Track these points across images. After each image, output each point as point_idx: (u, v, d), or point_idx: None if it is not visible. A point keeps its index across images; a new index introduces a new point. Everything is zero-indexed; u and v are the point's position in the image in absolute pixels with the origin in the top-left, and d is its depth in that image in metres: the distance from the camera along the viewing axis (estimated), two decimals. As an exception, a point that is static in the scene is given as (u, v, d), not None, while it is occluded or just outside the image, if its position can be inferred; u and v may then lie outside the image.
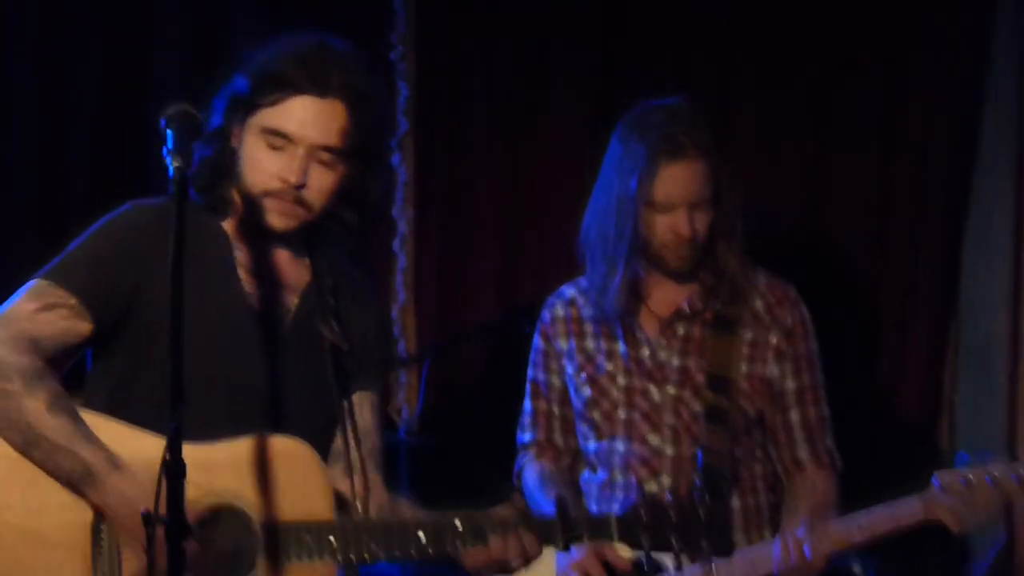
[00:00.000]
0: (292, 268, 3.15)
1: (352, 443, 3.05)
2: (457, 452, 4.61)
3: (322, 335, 3.09)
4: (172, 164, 2.73)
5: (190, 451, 2.57)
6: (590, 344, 3.89)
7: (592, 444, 3.87)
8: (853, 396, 4.41)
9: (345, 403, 3.09)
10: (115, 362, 3.04)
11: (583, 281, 3.92)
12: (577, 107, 5.01)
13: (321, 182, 3.03)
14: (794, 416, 3.82)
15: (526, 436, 3.97)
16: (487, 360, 4.98)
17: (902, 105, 4.84)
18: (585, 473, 3.92)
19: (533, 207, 5.06)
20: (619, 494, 3.80)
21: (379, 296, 3.37)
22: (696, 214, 3.73)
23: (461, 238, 5.12)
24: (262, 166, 3.03)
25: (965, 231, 4.84)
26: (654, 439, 3.79)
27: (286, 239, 3.11)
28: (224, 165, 3.08)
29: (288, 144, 3.01)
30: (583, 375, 3.88)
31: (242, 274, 3.09)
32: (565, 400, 3.93)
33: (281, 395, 3.04)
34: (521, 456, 3.98)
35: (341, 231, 3.14)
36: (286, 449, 2.92)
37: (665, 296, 3.86)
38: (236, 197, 3.09)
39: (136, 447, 2.87)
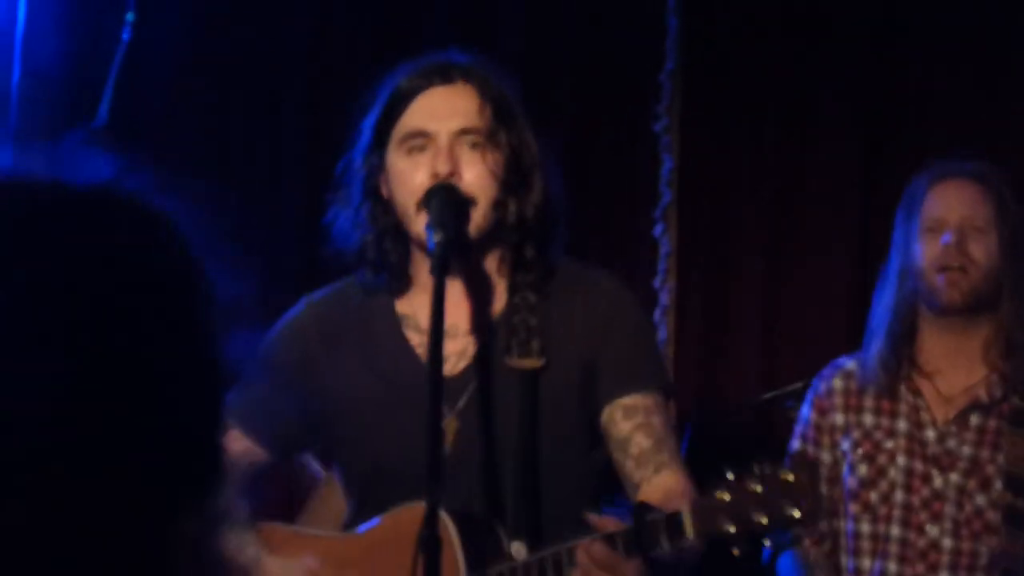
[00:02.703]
0: (485, 305, 2.86)
1: None
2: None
3: (514, 369, 2.79)
4: (433, 238, 2.66)
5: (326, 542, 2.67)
6: (868, 419, 3.66)
7: (866, 527, 3.63)
8: None
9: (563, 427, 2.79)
10: (337, 465, 2.97)
11: (861, 355, 3.74)
12: (842, 179, 4.94)
13: (476, 169, 2.77)
14: None
15: None
16: (748, 437, 4.90)
17: None
18: (850, 560, 3.66)
19: (797, 280, 4.98)
20: None
21: (610, 287, 2.91)
22: (970, 234, 3.55)
23: (723, 311, 5.07)
24: (408, 177, 2.78)
25: None
26: (933, 530, 3.57)
27: (469, 275, 2.83)
28: (386, 228, 2.85)
29: (428, 141, 2.78)
30: (860, 451, 3.65)
31: (419, 346, 2.84)
32: (834, 479, 3.70)
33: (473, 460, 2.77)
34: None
35: (528, 237, 2.83)
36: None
37: (954, 375, 3.64)
38: (409, 260, 2.87)
39: (297, 548, 2.82)
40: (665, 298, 5.07)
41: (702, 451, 4.79)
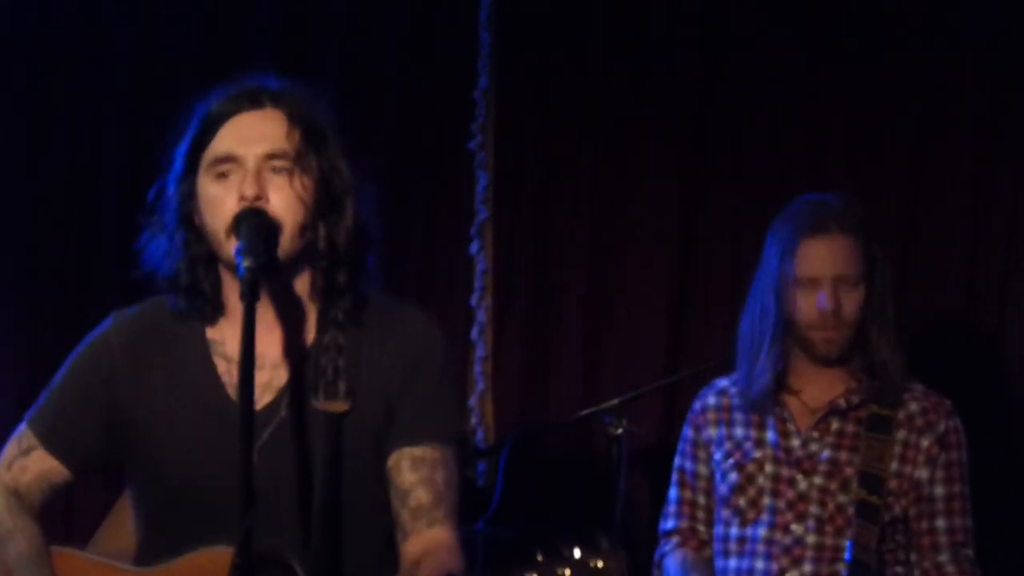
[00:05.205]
0: (294, 335, 2.85)
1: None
2: (534, 545, 4.51)
3: (320, 411, 2.79)
4: (243, 264, 2.62)
5: None
6: (739, 432, 3.89)
7: (734, 531, 3.85)
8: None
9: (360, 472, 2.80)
10: (132, 486, 2.92)
11: (735, 375, 3.94)
12: (662, 194, 4.97)
13: (283, 193, 2.76)
14: (941, 523, 3.80)
15: (669, 524, 3.98)
16: (568, 452, 4.92)
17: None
18: (720, 561, 3.88)
19: (618, 296, 5.00)
20: None
21: (420, 328, 2.90)
22: (842, 291, 3.74)
23: (543, 327, 5.07)
24: (218, 203, 2.76)
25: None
26: (798, 528, 3.78)
27: (279, 302, 2.82)
28: (198, 255, 2.84)
29: (236, 166, 2.76)
30: (731, 461, 3.87)
31: (225, 373, 2.84)
32: (711, 491, 3.93)
33: (277, 494, 2.76)
34: (663, 544, 3.98)
35: (339, 268, 2.83)
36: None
37: (819, 390, 3.86)
38: (220, 287, 2.86)
39: None
40: (482, 316, 5.07)
41: (521, 468, 4.80)
